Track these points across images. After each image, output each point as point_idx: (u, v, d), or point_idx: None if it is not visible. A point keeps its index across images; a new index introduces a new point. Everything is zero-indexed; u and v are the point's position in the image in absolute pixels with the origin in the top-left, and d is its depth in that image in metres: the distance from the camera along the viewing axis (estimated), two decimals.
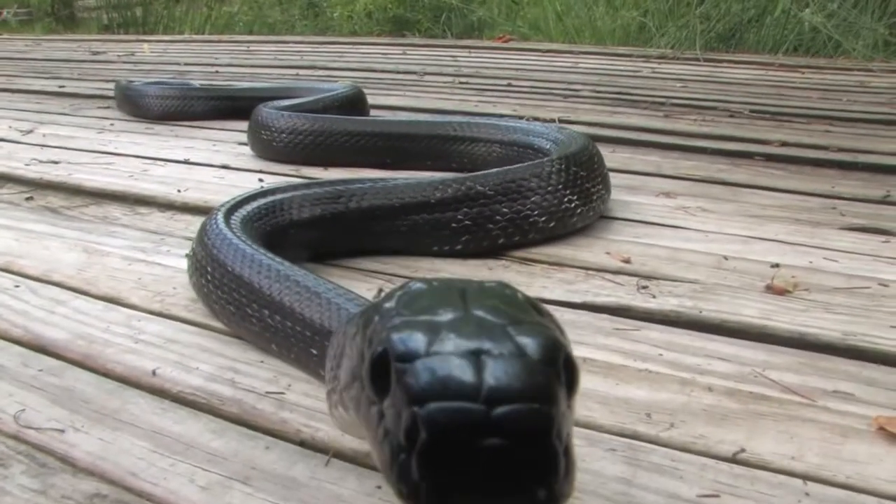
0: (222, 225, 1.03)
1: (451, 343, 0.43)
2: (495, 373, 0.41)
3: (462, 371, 0.41)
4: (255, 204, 1.16)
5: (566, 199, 1.31)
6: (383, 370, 0.44)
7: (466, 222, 1.25)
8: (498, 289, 0.51)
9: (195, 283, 1.05)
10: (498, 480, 0.38)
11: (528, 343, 0.43)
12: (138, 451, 0.76)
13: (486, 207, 1.25)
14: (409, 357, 0.43)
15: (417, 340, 0.43)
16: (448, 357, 0.42)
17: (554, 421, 0.40)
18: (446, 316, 0.46)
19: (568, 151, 1.39)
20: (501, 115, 2.43)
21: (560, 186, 1.31)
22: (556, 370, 0.43)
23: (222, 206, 1.13)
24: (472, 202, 1.25)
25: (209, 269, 0.99)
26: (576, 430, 0.76)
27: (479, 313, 0.46)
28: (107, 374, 0.91)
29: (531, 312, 0.49)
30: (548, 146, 1.58)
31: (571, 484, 0.41)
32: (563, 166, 1.32)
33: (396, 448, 0.42)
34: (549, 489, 0.39)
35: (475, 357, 0.42)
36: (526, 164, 1.38)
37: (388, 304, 0.50)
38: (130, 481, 0.71)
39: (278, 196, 1.20)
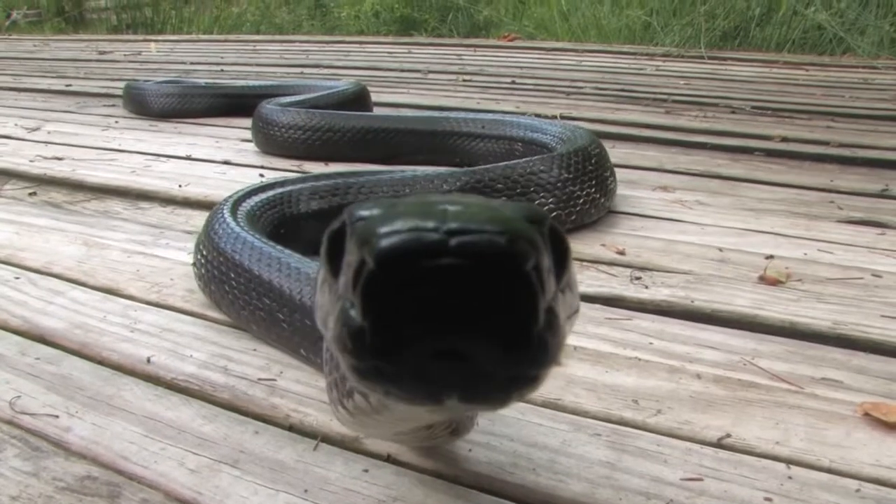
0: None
1: (415, 201, 0.36)
2: (460, 211, 0.33)
3: (422, 211, 0.33)
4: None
5: (575, 193, 1.31)
6: (340, 245, 0.38)
7: None
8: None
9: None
10: (456, 315, 0.30)
11: (505, 204, 0.36)
12: (130, 436, 0.77)
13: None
14: (369, 216, 0.35)
15: (380, 205, 0.36)
16: (409, 206, 0.35)
17: (530, 257, 0.32)
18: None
19: (574, 147, 1.39)
20: (504, 112, 2.43)
21: (570, 180, 1.31)
22: (538, 228, 0.35)
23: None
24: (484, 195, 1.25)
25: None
26: (561, 415, 0.78)
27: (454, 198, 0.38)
28: (102, 362, 0.92)
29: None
30: (551, 142, 1.59)
31: (554, 353, 0.33)
32: (569, 161, 1.32)
33: (345, 307, 0.34)
34: (525, 337, 0.31)
35: (439, 206, 0.34)
36: (533, 158, 1.38)
37: None
38: (121, 464, 0.72)
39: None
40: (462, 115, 1.89)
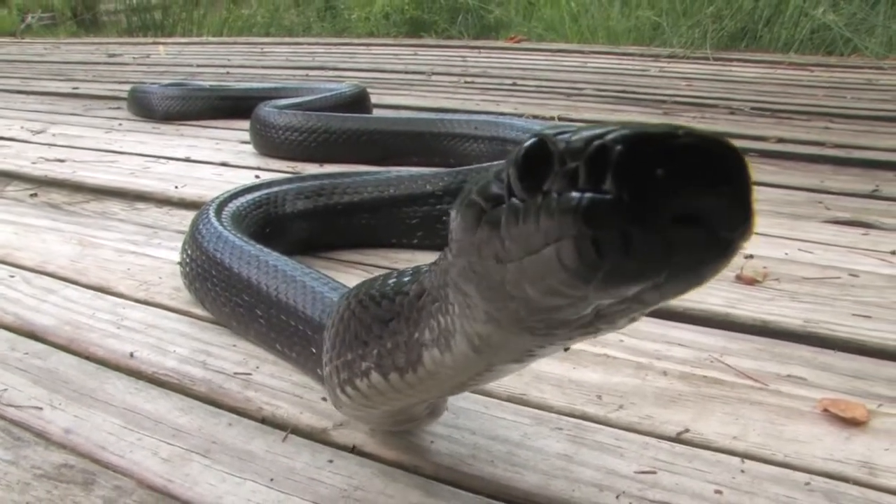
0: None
1: (606, 125, 0.39)
2: (684, 132, 0.37)
3: (633, 126, 0.37)
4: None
5: None
6: (537, 161, 0.40)
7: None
8: None
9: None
10: (696, 184, 0.35)
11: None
12: (109, 427, 0.80)
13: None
14: (572, 130, 0.38)
15: (581, 128, 0.39)
16: (610, 126, 0.38)
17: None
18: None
19: None
20: (501, 114, 2.45)
21: None
22: None
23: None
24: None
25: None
26: (525, 410, 0.80)
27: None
28: (88, 357, 0.95)
29: None
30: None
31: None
32: None
33: (577, 201, 0.37)
34: (747, 202, 0.36)
35: (647, 126, 0.38)
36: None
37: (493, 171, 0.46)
38: (98, 453, 0.75)
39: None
40: (455, 116, 1.92)
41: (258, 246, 0.95)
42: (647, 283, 0.39)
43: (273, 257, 0.92)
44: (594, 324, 0.46)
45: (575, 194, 0.37)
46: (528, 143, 0.41)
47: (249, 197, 1.20)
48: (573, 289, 0.40)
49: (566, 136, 0.38)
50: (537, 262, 0.40)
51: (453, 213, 0.49)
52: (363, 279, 0.68)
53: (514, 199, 0.41)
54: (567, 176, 0.38)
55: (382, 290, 0.61)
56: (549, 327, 0.46)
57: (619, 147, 0.36)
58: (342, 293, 0.73)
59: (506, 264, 0.43)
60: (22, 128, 2.46)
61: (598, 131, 0.37)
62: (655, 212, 0.35)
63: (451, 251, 0.50)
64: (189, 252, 1.04)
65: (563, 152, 0.38)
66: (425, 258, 1.27)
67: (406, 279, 0.61)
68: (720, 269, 0.39)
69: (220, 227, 1.01)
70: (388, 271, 0.64)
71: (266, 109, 2.01)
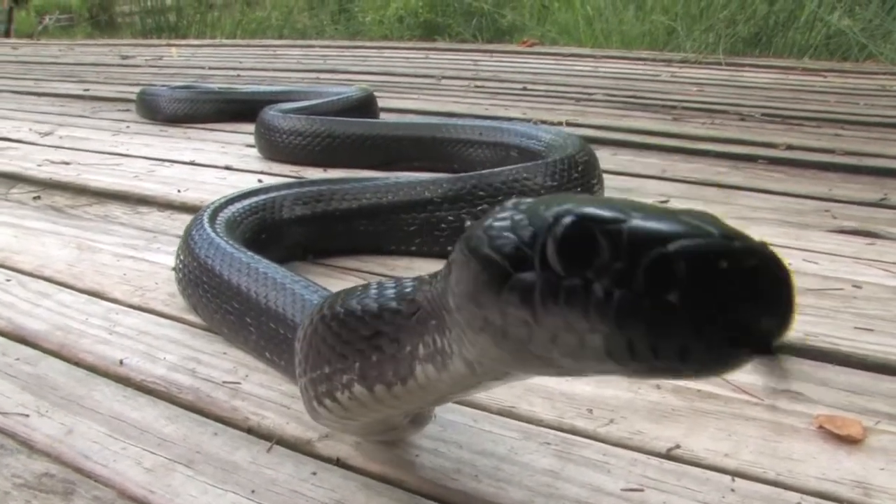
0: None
1: (643, 209, 0.41)
2: (713, 224, 0.39)
3: (683, 222, 0.39)
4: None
5: None
6: (579, 240, 0.40)
7: (456, 223, 1.25)
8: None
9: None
10: (758, 301, 0.38)
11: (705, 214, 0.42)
12: (94, 435, 0.79)
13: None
14: (620, 218, 0.40)
15: (613, 207, 0.41)
16: (658, 215, 0.40)
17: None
18: (602, 202, 0.43)
19: (561, 155, 1.39)
20: (509, 119, 2.44)
21: (554, 188, 1.32)
22: None
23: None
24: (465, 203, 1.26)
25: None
26: (514, 423, 0.79)
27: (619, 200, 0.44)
28: (78, 364, 0.94)
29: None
30: (544, 149, 1.59)
31: None
32: (554, 169, 1.33)
33: (632, 303, 0.38)
34: (793, 306, 0.39)
35: (678, 215, 0.40)
36: (517, 165, 1.39)
37: (504, 214, 0.47)
38: (81, 462, 0.74)
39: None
40: (460, 121, 1.91)
41: (249, 253, 0.95)
42: (726, 369, 0.40)
43: (263, 264, 0.92)
44: None
45: (632, 297, 0.38)
46: (569, 222, 0.41)
47: (246, 202, 1.19)
48: (609, 369, 0.41)
49: (614, 224, 0.39)
50: (576, 343, 0.41)
51: (459, 255, 0.48)
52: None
53: (549, 273, 0.41)
54: (621, 275, 0.39)
55: (364, 304, 0.60)
56: (561, 368, 0.46)
57: (683, 264, 0.37)
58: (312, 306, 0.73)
59: (534, 330, 0.43)
60: (30, 130, 2.47)
61: (650, 229, 0.38)
62: (714, 326, 0.37)
63: (456, 295, 0.49)
64: (182, 258, 1.03)
65: (615, 248, 0.39)
66: (423, 265, 1.27)
67: (390, 293, 0.60)
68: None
69: (213, 234, 1.00)
70: (362, 282, 0.63)
71: (270, 113, 2.00)
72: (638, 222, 0.39)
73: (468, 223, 0.51)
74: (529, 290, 0.42)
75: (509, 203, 0.48)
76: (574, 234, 0.41)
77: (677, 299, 0.37)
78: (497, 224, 0.45)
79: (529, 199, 0.47)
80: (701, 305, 0.37)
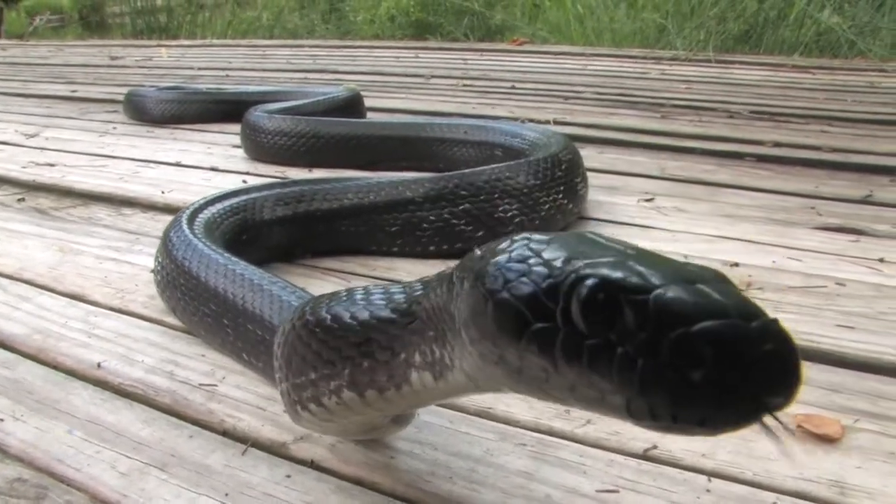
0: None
1: (662, 273, 0.43)
2: (728, 295, 0.42)
3: (703, 295, 0.42)
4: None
5: (541, 199, 1.32)
6: (602, 303, 0.42)
7: (438, 223, 1.25)
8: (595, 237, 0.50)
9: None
10: (772, 381, 0.40)
11: (711, 271, 0.45)
12: (69, 440, 0.78)
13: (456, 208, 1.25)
14: (645, 287, 0.42)
15: (635, 272, 0.43)
16: (679, 285, 0.42)
17: None
18: (616, 256, 0.45)
19: (544, 153, 1.39)
20: (496, 118, 2.43)
21: (536, 186, 1.31)
22: None
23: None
24: (446, 202, 1.25)
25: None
26: (490, 424, 0.78)
27: (630, 252, 0.46)
28: (56, 367, 0.94)
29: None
30: (527, 148, 1.59)
31: None
32: (537, 167, 1.33)
33: (657, 373, 0.41)
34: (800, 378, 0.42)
35: (695, 284, 0.42)
36: (500, 164, 1.38)
37: (518, 252, 0.48)
38: (55, 467, 0.74)
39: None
40: (445, 121, 1.90)
41: (226, 255, 0.94)
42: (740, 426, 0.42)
43: (241, 266, 0.91)
44: None
45: (656, 367, 0.41)
46: (593, 285, 0.43)
47: (226, 203, 1.18)
48: (624, 419, 0.43)
49: (640, 293, 0.41)
50: (597, 397, 0.44)
51: (472, 290, 0.49)
52: (340, 287, 0.67)
53: (571, 328, 0.43)
54: (647, 345, 0.41)
55: (353, 312, 0.60)
56: (572, 406, 0.48)
57: (709, 349, 0.40)
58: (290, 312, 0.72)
59: (552, 376, 0.45)
60: (16, 131, 2.46)
61: (675, 306, 0.41)
62: (733, 400, 0.40)
63: (470, 327, 0.49)
64: (161, 260, 1.03)
65: (641, 319, 0.41)
66: (405, 265, 1.27)
67: (380, 300, 0.59)
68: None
69: (191, 235, 0.99)
70: (341, 288, 0.63)
71: (255, 114, 2.00)
72: (662, 293, 0.41)
73: (477, 252, 0.52)
74: (550, 342, 0.44)
75: (519, 238, 0.49)
76: (598, 298, 0.43)
77: (700, 378, 0.40)
78: (513, 266, 0.47)
79: (540, 236, 0.49)
80: (722, 385, 0.40)
